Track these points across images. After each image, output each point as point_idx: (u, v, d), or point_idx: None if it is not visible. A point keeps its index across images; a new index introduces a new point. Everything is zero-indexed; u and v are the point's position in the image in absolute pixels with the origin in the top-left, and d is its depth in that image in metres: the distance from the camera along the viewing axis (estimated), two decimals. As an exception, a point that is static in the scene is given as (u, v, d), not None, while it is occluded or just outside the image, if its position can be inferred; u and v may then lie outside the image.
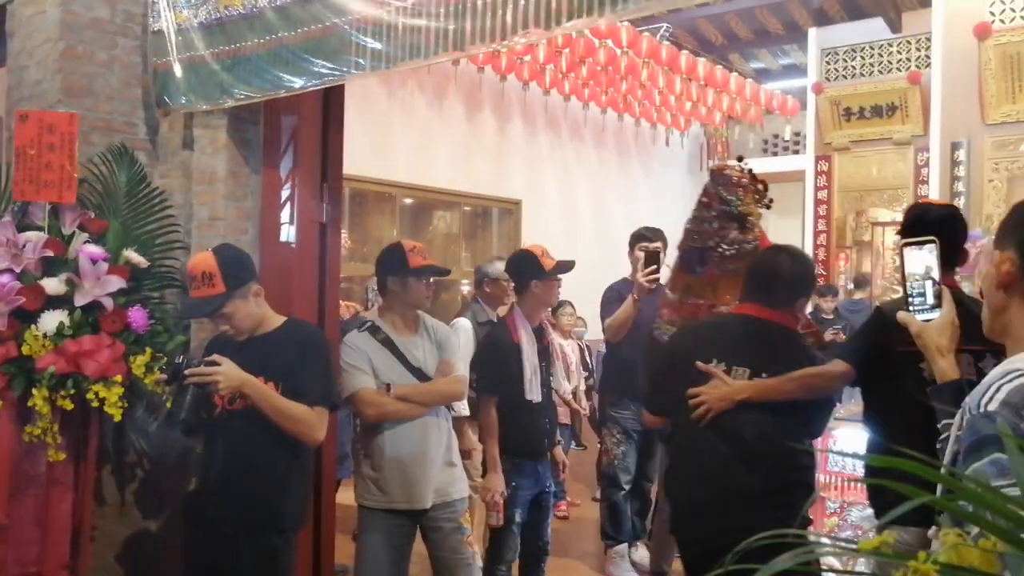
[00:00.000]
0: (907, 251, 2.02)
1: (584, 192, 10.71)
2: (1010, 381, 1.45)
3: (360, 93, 6.63)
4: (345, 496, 4.39)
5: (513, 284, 4.19)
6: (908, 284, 2.02)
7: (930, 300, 1.99)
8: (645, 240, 5.03)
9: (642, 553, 5.30)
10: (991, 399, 1.45)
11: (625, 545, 5.22)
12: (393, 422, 3.40)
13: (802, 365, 2.88)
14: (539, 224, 9.52)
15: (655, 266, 4.43)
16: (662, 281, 4.32)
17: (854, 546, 1.06)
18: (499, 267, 5.11)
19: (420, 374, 3.46)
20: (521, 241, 9.45)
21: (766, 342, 2.93)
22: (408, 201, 8.72)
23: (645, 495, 5.37)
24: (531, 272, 3.98)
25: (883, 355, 2.74)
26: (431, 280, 3.57)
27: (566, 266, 4.02)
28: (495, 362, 3.94)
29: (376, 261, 3.61)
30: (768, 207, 3.73)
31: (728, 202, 3.64)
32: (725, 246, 3.59)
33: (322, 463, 3.80)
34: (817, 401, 2.95)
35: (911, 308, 2.01)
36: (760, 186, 3.72)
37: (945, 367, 1.96)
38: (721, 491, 2.80)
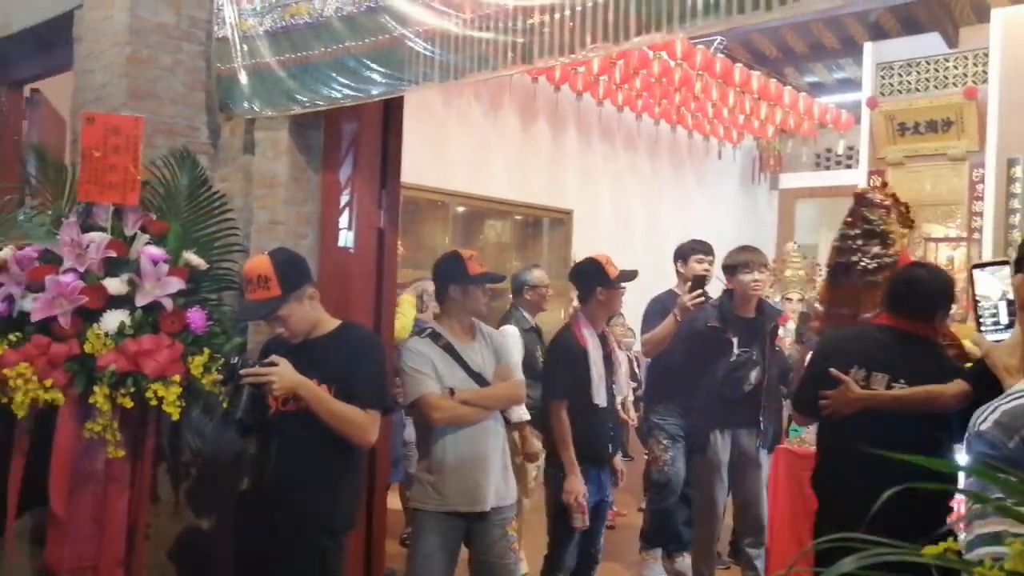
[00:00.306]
0: (977, 273, 2.02)
1: (636, 203, 10.67)
2: (1009, 402, 1.50)
3: (417, 102, 6.68)
4: (392, 500, 4.42)
5: (577, 291, 4.25)
6: (979, 305, 2.02)
7: (1003, 320, 1.99)
8: (700, 254, 5.05)
9: (688, 563, 5.27)
10: (986, 419, 1.52)
11: (660, 550, 5.23)
12: (455, 426, 3.43)
13: (940, 375, 3.01)
14: (590, 235, 9.50)
15: (701, 290, 4.61)
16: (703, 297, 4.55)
17: (918, 552, 1.05)
18: (537, 274, 5.17)
19: (480, 379, 3.49)
20: (571, 251, 9.43)
21: (903, 351, 3.09)
22: (461, 209, 8.75)
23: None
24: (596, 279, 4.04)
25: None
26: (487, 288, 3.62)
27: (630, 275, 4.09)
28: (564, 367, 3.97)
29: (434, 269, 3.64)
30: (910, 227, 4.15)
31: (871, 221, 4.05)
32: (867, 260, 3.99)
33: (375, 466, 3.82)
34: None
35: (981, 329, 2.01)
36: (903, 208, 4.13)
37: (1013, 386, 1.94)
38: (858, 490, 2.82)
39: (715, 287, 5.59)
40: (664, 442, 5.05)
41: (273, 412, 2.97)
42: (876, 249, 3.98)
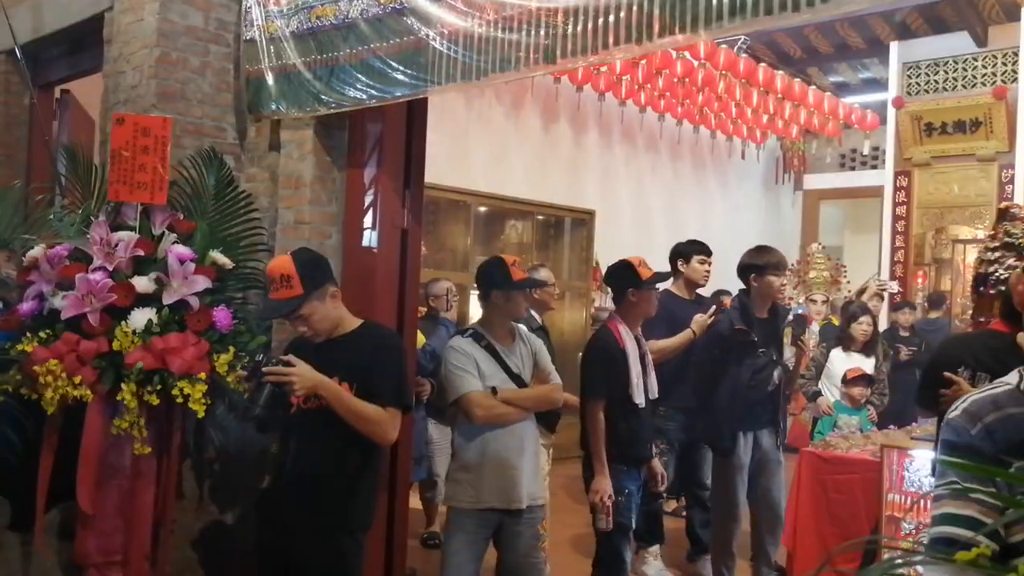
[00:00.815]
0: None
1: (658, 204, 10.63)
2: (980, 392, 1.56)
3: (438, 102, 6.70)
4: (412, 499, 4.45)
5: (612, 293, 4.30)
6: None
7: None
8: (702, 254, 5.23)
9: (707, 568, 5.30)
10: (957, 408, 1.57)
11: (657, 546, 5.27)
12: (493, 425, 3.49)
13: None
14: (612, 235, 9.47)
15: (718, 308, 4.90)
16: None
17: (951, 558, 1.06)
18: (544, 274, 5.19)
19: (519, 381, 3.58)
20: (593, 252, 9.42)
21: (1010, 355, 3.15)
22: (482, 209, 8.77)
23: (705, 504, 5.36)
24: (628, 281, 4.07)
25: None
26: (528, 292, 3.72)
27: (663, 276, 4.18)
28: (603, 367, 4.00)
29: (478, 274, 3.72)
30: None
31: (1011, 235, 4.35)
32: (1002, 271, 4.23)
33: (396, 465, 3.85)
34: None
35: None
36: None
37: None
38: None
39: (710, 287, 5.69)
40: (661, 445, 5.05)
41: (294, 410, 3.00)
42: (1011, 261, 4.23)
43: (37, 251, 3.31)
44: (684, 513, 5.76)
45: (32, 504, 3.31)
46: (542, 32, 2.93)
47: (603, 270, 7.30)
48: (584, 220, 9.53)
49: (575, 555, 5.27)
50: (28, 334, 3.21)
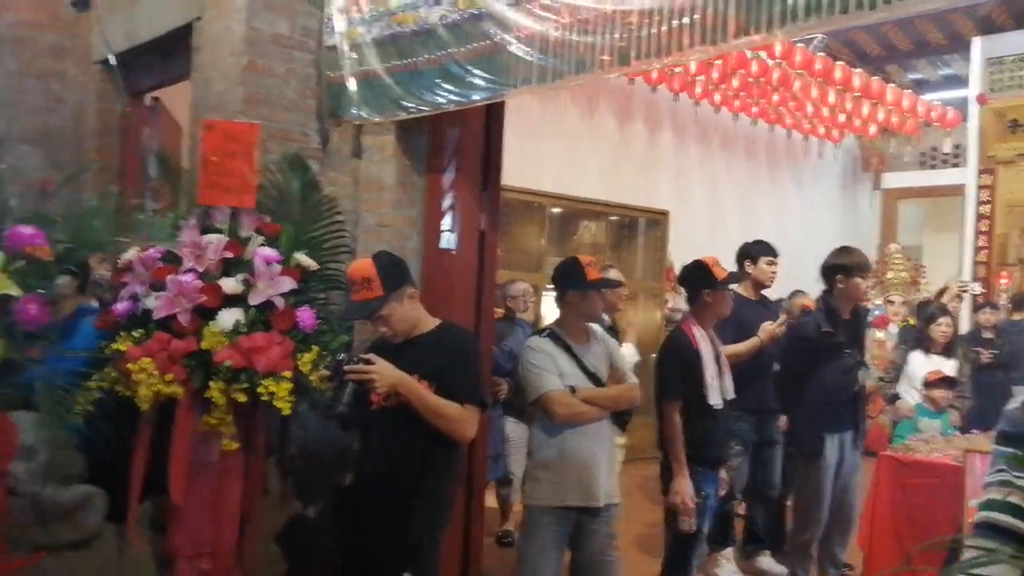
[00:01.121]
0: None
1: (733, 204, 10.52)
2: None
3: (513, 105, 6.75)
4: (488, 498, 4.49)
5: (686, 294, 4.29)
6: None
7: None
8: (769, 255, 5.18)
9: (768, 562, 5.32)
10: (1017, 400, 1.64)
11: (731, 549, 5.25)
12: (573, 423, 3.51)
13: None
14: (686, 235, 9.41)
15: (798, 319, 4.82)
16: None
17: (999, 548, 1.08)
18: (613, 274, 5.12)
19: (596, 380, 3.60)
20: (667, 252, 9.38)
21: None
22: (555, 210, 8.79)
23: (771, 504, 5.33)
24: (703, 282, 4.05)
25: None
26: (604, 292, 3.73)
27: (737, 277, 4.12)
28: (678, 368, 3.99)
29: (554, 274, 3.75)
30: None
31: None
32: None
33: (473, 463, 3.90)
34: None
35: None
36: None
37: None
38: None
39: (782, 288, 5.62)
40: (736, 447, 5.02)
41: (375, 408, 3.07)
42: None
43: (131, 254, 3.42)
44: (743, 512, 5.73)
45: (124, 497, 3.43)
46: (617, 34, 2.95)
47: (677, 270, 7.28)
48: (658, 220, 9.49)
49: (640, 555, 5.27)
50: (123, 333, 3.32)
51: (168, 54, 4.82)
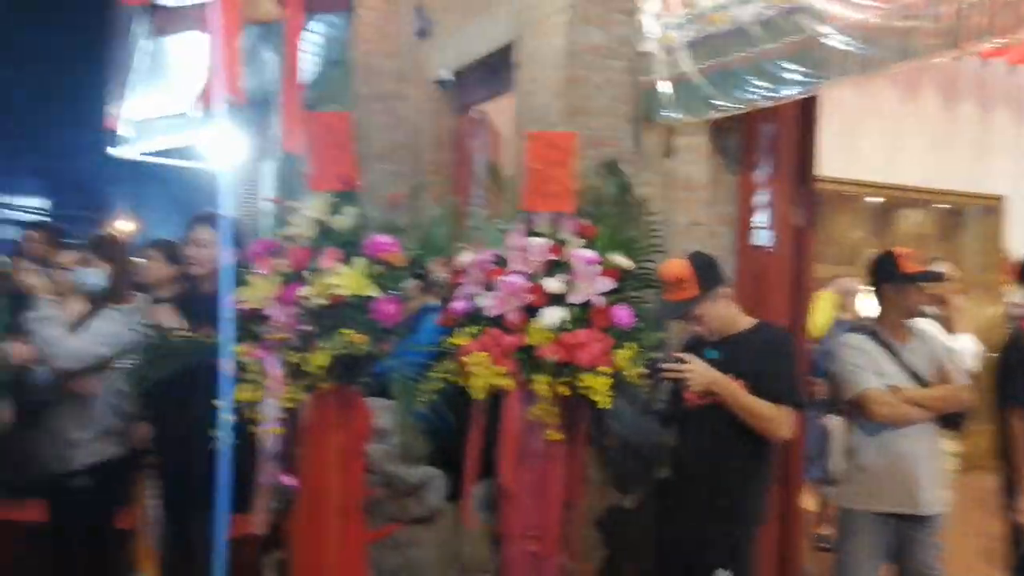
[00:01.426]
0: None
1: (1082, 186, 9.45)
2: None
3: (825, 93, 6.57)
4: (806, 499, 4.40)
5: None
6: None
7: None
8: None
9: None
10: None
11: None
12: (893, 424, 3.40)
13: None
14: (1025, 223, 8.63)
15: None
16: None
17: None
18: (940, 268, 4.82)
19: (919, 380, 3.44)
20: (1002, 241, 8.62)
21: None
22: (872, 200, 8.38)
23: None
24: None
25: None
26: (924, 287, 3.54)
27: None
28: (1021, 370, 3.70)
29: (868, 268, 3.65)
30: None
31: None
32: None
33: (789, 463, 3.86)
34: None
35: None
36: None
37: None
38: None
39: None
40: None
41: (689, 405, 3.15)
42: None
43: (467, 257, 3.74)
44: None
45: (463, 479, 3.75)
46: (943, 15, 2.82)
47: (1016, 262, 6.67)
48: (992, 207, 8.75)
49: (986, 568, 4.92)
50: (460, 329, 3.63)
51: (493, 71, 5.15)
